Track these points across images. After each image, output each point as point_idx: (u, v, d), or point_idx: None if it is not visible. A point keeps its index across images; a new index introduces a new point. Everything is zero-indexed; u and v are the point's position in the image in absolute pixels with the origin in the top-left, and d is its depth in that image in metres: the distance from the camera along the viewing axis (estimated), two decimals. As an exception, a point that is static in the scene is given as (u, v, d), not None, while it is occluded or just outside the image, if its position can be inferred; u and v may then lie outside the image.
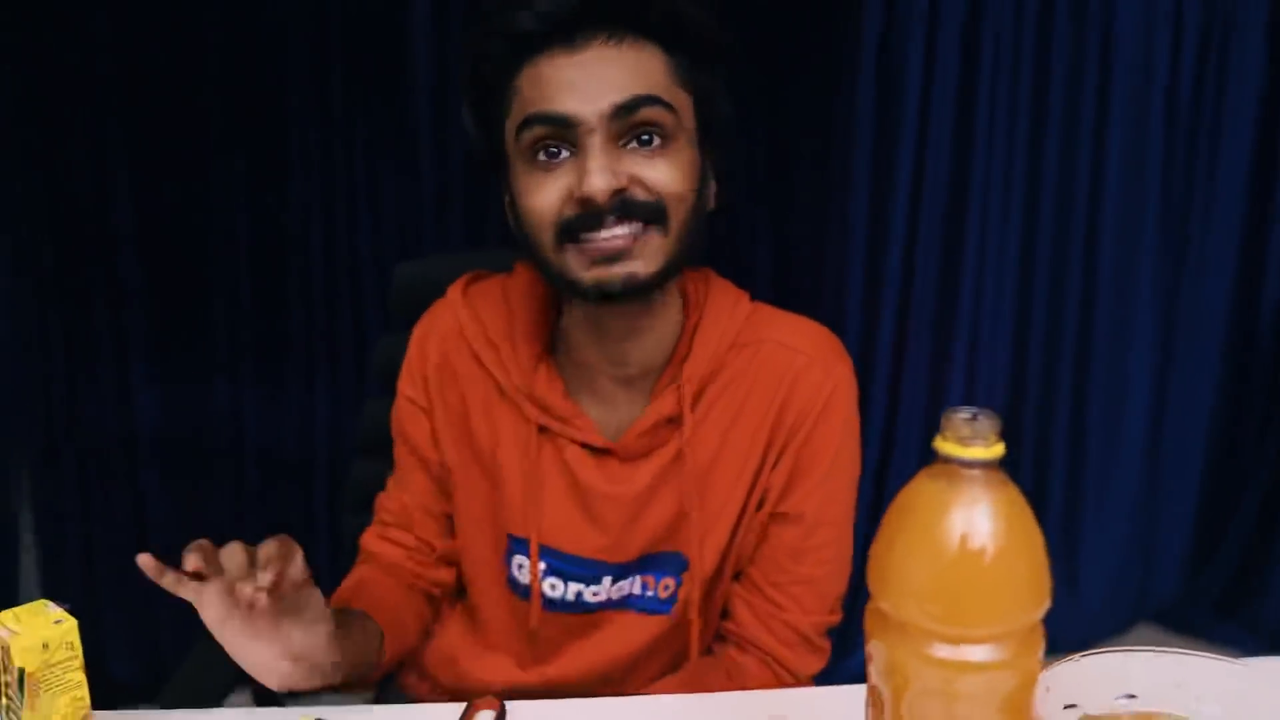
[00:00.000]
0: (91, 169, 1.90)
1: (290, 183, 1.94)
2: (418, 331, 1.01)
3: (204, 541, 0.71)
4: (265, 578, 0.69)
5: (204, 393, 2.02)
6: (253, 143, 1.92)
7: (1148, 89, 2.05)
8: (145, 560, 0.67)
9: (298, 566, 0.74)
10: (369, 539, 1.02)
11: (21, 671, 0.66)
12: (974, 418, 0.49)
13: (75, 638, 0.69)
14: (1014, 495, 0.50)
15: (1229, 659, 0.67)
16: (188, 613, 2.25)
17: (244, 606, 0.70)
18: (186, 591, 0.69)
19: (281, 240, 1.97)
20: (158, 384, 2.01)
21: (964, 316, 2.10)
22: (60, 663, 0.68)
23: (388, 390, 1.08)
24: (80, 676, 0.70)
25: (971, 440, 0.49)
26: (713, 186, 0.92)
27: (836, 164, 2.02)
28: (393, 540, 1.00)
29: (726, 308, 0.95)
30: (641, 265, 0.83)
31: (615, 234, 0.81)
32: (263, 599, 0.69)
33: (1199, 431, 2.26)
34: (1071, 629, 2.20)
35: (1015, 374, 2.17)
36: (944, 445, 0.49)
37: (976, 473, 0.49)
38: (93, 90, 1.87)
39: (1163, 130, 2.07)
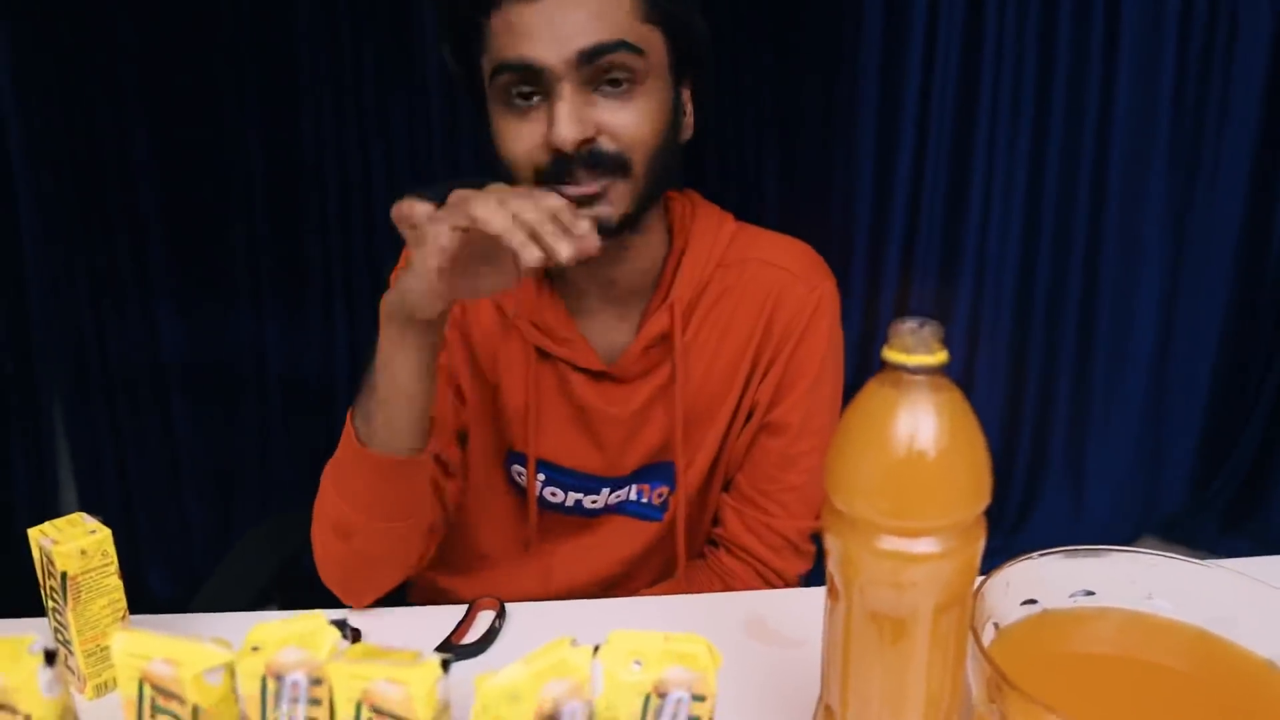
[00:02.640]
0: (107, 106, 1.94)
1: (301, 113, 1.96)
2: (407, 254, 1.02)
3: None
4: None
5: (226, 321, 2.08)
6: (263, 73, 1.94)
7: (1162, 2, 2.02)
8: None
9: None
10: None
11: (64, 575, 0.73)
12: (919, 326, 0.53)
13: (110, 546, 0.74)
14: (956, 398, 0.53)
15: (1180, 556, 0.71)
16: (219, 532, 2.33)
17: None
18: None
19: (295, 170, 2.00)
20: (181, 314, 2.07)
21: (972, 233, 2.11)
22: (97, 568, 0.74)
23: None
24: (116, 582, 0.76)
25: (915, 348, 0.52)
26: (689, 115, 0.93)
27: (844, 82, 2.01)
28: None
29: (711, 229, 0.98)
30: (611, 209, 0.86)
31: (584, 187, 0.84)
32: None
33: (1207, 346, 2.27)
34: (1077, 541, 2.25)
35: (1023, 288, 2.18)
36: (890, 353, 0.53)
37: (920, 378, 0.53)
38: (107, 29, 1.89)
39: (1175, 42, 2.04)
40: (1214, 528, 2.33)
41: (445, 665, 0.56)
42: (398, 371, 0.80)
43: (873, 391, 0.54)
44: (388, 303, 0.79)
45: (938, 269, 2.13)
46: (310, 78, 1.94)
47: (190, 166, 1.99)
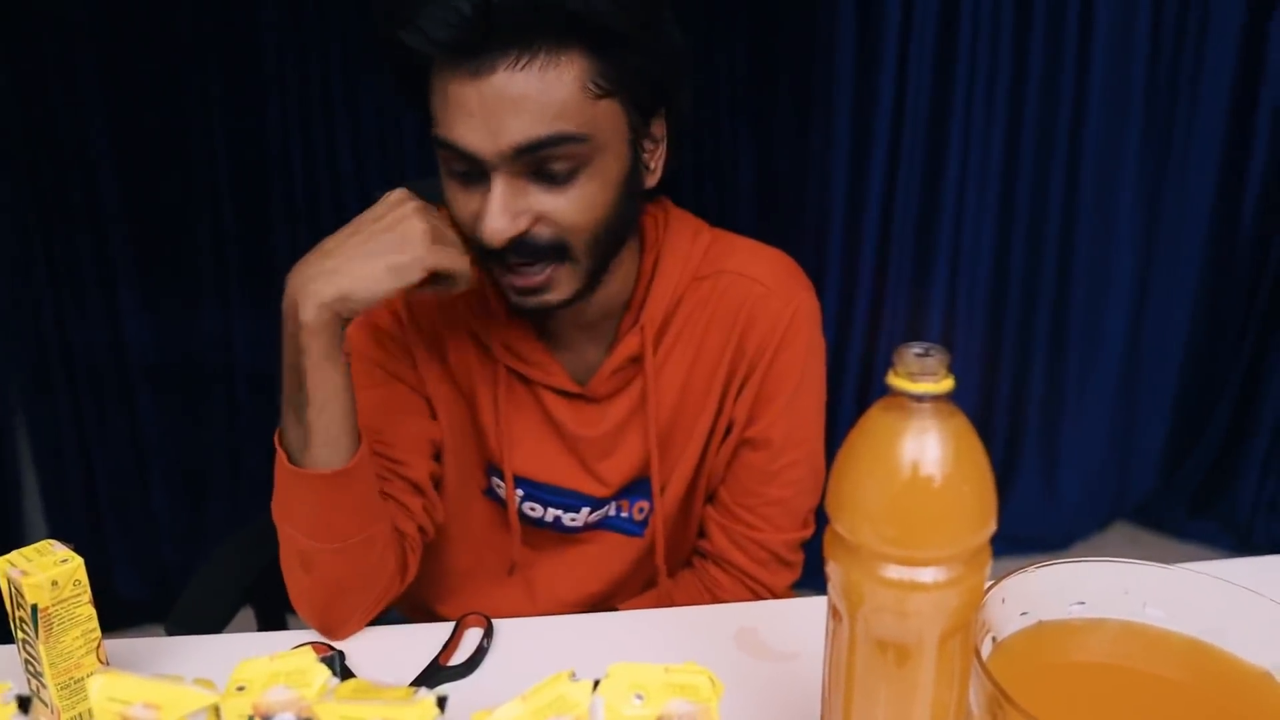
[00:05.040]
0: (65, 94, 1.88)
1: (268, 102, 1.92)
2: None
3: None
4: None
5: (192, 315, 2.04)
6: (227, 60, 1.89)
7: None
8: None
9: None
10: None
11: (34, 607, 0.70)
12: (925, 353, 0.52)
13: (82, 575, 0.72)
14: (962, 426, 0.52)
15: (1169, 566, 0.71)
16: (188, 531, 2.27)
17: None
18: None
19: (262, 160, 1.96)
20: (146, 308, 2.02)
21: (947, 221, 2.11)
22: (69, 598, 0.71)
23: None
24: (90, 610, 0.73)
25: (921, 376, 0.51)
26: (658, 155, 0.87)
27: (819, 75, 2.00)
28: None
29: (685, 242, 0.94)
30: (556, 295, 0.84)
31: (522, 272, 0.82)
32: None
33: (1177, 334, 2.29)
34: (1052, 527, 2.27)
35: (998, 275, 2.19)
36: (896, 380, 0.52)
37: (926, 406, 0.51)
38: (64, 14, 1.83)
39: (1149, 30, 2.05)
40: (1182, 512, 2.37)
41: (441, 704, 0.54)
42: (330, 375, 0.79)
43: (877, 417, 0.53)
44: (325, 314, 0.78)
45: (913, 255, 2.13)
46: (276, 65, 1.90)
47: (153, 156, 1.94)
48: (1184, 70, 2.09)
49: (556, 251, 0.81)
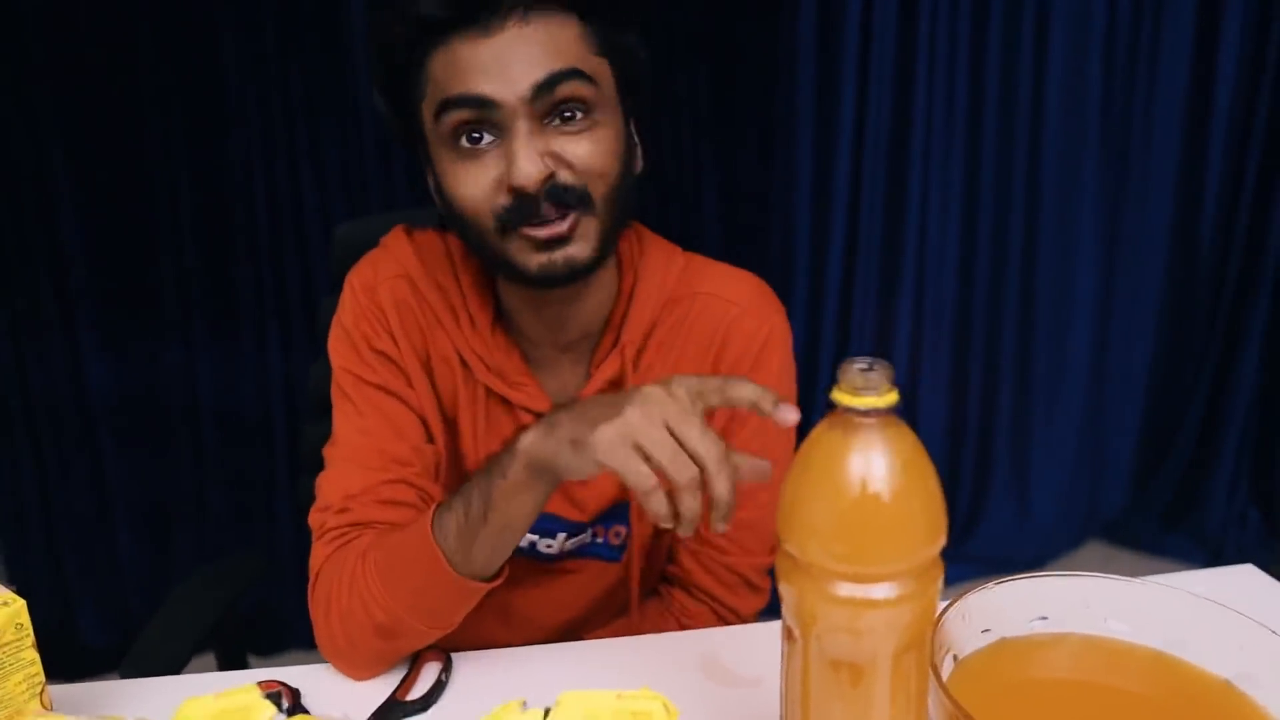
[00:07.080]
0: (24, 132, 1.86)
1: (229, 139, 1.91)
2: (361, 279, 0.95)
3: None
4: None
5: (155, 355, 2.01)
6: (188, 99, 1.89)
7: (1087, 10, 2.06)
8: None
9: None
10: (366, 513, 0.89)
11: (-28, 652, 0.68)
12: (868, 368, 0.51)
13: (24, 618, 0.70)
14: (908, 439, 0.52)
15: (1130, 579, 0.70)
16: (154, 571, 2.22)
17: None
18: None
19: (224, 199, 1.94)
20: (107, 348, 2.00)
21: (911, 243, 2.13)
22: (11, 643, 0.69)
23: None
24: (33, 655, 0.71)
25: (864, 390, 0.51)
26: (639, 150, 0.90)
27: (781, 99, 2.02)
28: (398, 501, 0.90)
29: (660, 265, 0.95)
30: (579, 249, 0.82)
31: (554, 226, 0.81)
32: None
33: (1143, 350, 2.32)
34: (1024, 547, 2.27)
35: (962, 298, 2.20)
36: (839, 395, 0.51)
37: (871, 420, 0.51)
38: (22, 51, 1.82)
39: (1101, 52, 2.08)
40: (1156, 528, 2.37)
41: (387, 739, 0.53)
42: (524, 507, 0.78)
43: (822, 434, 0.53)
44: (535, 457, 0.76)
45: (878, 280, 2.15)
46: (237, 101, 1.89)
47: (113, 194, 1.92)
48: (1139, 85, 2.13)
49: (582, 200, 0.82)
